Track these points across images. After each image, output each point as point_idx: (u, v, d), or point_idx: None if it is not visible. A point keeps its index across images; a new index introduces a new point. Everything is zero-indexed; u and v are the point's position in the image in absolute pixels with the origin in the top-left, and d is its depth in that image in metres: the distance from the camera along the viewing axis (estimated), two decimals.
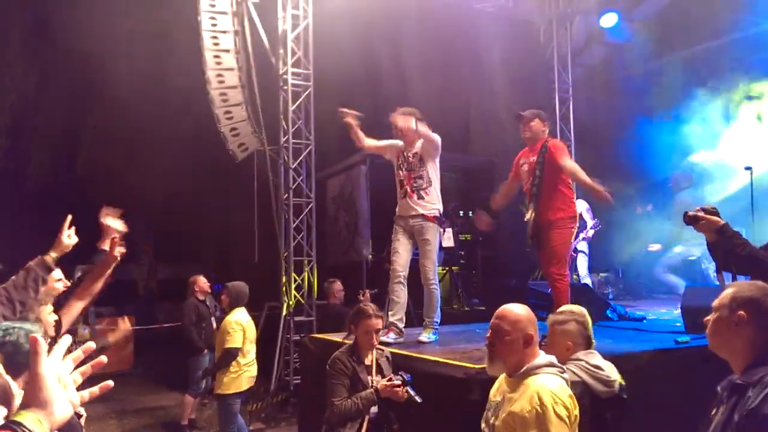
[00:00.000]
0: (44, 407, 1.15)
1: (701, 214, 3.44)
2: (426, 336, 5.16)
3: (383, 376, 3.62)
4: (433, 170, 5.29)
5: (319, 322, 8.02)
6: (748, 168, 6.94)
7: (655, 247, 9.33)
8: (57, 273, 3.72)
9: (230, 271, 11.38)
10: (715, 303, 2.09)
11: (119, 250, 3.42)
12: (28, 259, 3.14)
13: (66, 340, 1.30)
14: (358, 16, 8.99)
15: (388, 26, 9.43)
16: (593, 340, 3.29)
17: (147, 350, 10.91)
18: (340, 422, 3.51)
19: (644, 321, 6.70)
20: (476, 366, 3.71)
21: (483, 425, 2.57)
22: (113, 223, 3.59)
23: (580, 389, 2.86)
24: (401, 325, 5.20)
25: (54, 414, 1.16)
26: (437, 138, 5.26)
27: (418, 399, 3.36)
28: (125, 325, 4.68)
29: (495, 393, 2.60)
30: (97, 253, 3.63)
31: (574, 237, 5.39)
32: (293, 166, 8.31)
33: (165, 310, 11.67)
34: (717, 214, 3.46)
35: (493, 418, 2.49)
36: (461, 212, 10.44)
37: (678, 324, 5.75)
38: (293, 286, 8.22)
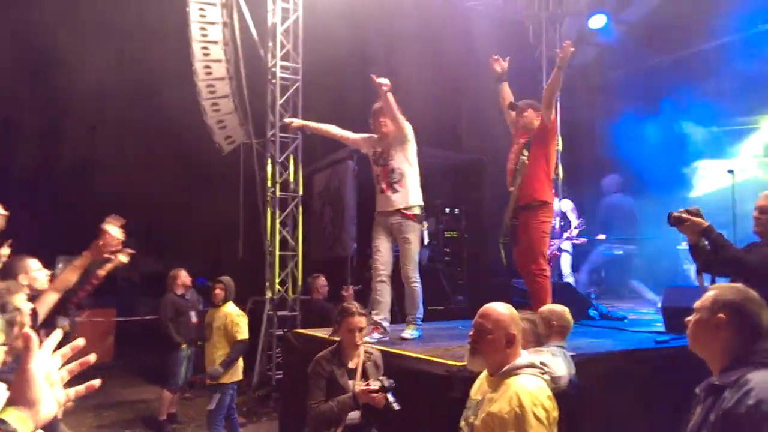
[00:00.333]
0: (31, 406, 1.12)
1: (686, 215, 3.47)
2: (409, 333, 5.13)
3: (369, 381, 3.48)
4: (406, 162, 5.15)
5: (302, 318, 8.01)
6: (731, 171, 6.99)
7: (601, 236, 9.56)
8: (36, 263, 3.69)
9: (214, 264, 11.33)
10: (697, 304, 2.11)
11: (108, 251, 3.66)
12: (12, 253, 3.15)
13: (56, 335, 1.28)
14: (348, 11, 8.95)
15: (379, 22, 9.42)
16: (544, 340, 3.45)
17: (128, 343, 10.83)
18: (319, 425, 3.43)
19: (625, 320, 6.76)
20: (458, 363, 3.72)
21: (462, 424, 2.57)
22: (112, 230, 3.67)
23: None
24: (386, 324, 5.17)
25: (40, 413, 1.13)
26: (404, 123, 5.10)
27: (396, 406, 3.29)
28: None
29: (476, 392, 2.60)
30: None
31: (551, 232, 5.39)
32: (280, 160, 8.27)
33: (147, 303, 11.58)
34: (701, 215, 3.49)
35: (472, 417, 2.49)
36: (447, 210, 10.46)
37: (658, 324, 5.81)
38: (277, 280, 8.19)
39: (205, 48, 7.72)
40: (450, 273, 10.09)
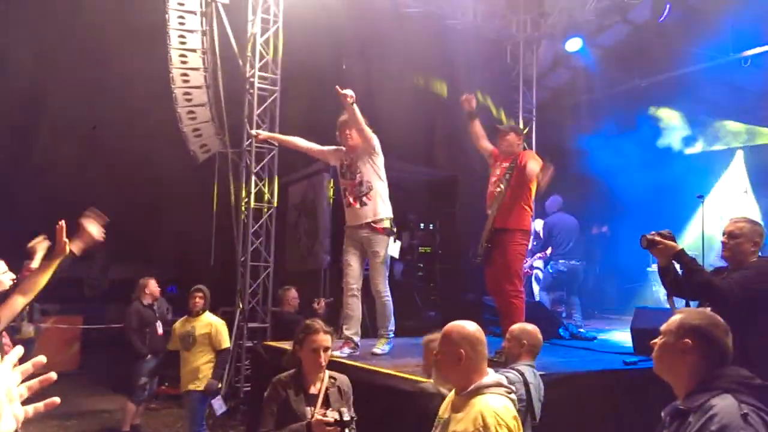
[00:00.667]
0: None
1: (659, 238, 3.50)
2: (380, 348, 5.10)
3: (329, 409, 3.08)
4: (374, 174, 5.12)
5: (272, 330, 7.94)
6: (700, 197, 7.14)
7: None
8: (2, 265, 3.59)
9: (184, 272, 11.18)
10: (663, 327, 2.13)
11: (69, 248, 3.30)
12: None
13: (17, 351, 1.24)
14: (328, 24, 8.98)
15: (358, 37, 9.45)
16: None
17: (94, 351, 10.61)
18: None
19: (595, 341, 6.83)
20: (428, 380, 3.72)
21: None
22: (92, 228, 3.46)
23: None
24: (357, 339, 5.14)
25: None
26: (371, 135, 5.06)
27: None
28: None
29: (444, 410, 2.59)
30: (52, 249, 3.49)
31: (527, 254, 5.43)
32: (255, 170, 8.23)
33: (115, 311, 11.37)
34: (673, 239, 3.53)
35: None
36: (422, 225, 10.48)
37: (628, 345, 5.87)
38: (248, 291, 8.12)
39: (183, 56, 7.67)
40: (423, 288, 10.10)
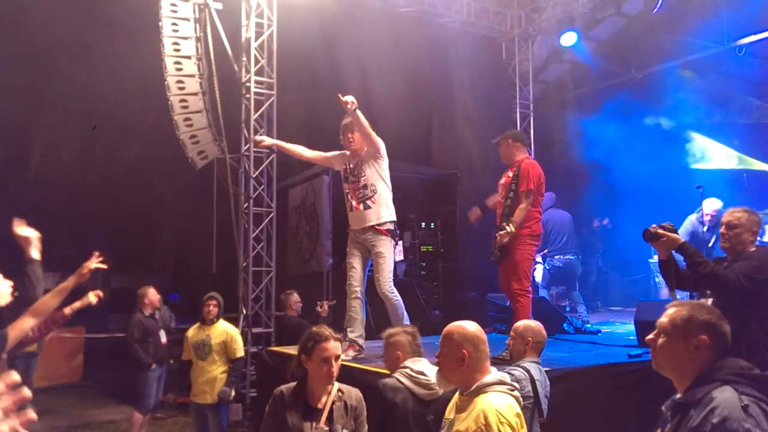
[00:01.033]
0: None
1: (661, 231, 3.49)
2: None
3: (332, 425, 2.86)
4: (378, 178, 5.14)
5: (276, 335, 7.93)
6: (699, 187, 7.13)
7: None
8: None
9: (186, 280, 11.17)
10: (665, 325, 2.08)
11: (90, 269, 3.61)
12: None
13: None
14: (322, 26, 8.98)
15: (353, 37, 9.45)
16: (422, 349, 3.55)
17: (97, 362, 10.60)
18: None
19: (599, 334, 6.83)
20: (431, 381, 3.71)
21: None
22: (26, 231, 3.59)
23: (403, 394, 3.26)
24: (361, 342, 5.15)
25: None
26: (377, 139, 5.08)
27: None
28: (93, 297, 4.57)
29: (449, 411, 2.59)
30: (27, 262, 3.55)
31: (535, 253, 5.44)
32: (254, 175, 8.22)
33: (117, 320, 11.37)
34: (675, 231, 3.53)
35: None
36: (423, 224, 10.49)
37: (632, 338, 5.87)
38: (251, 296, 8.11)
39: (178, 63, 7.65)
40: (426, 287, 10.09)
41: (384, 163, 5.18)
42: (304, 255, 10.24)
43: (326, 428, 2.78)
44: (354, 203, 5.17)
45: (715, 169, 10.84)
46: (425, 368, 3.34)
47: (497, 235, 5.02)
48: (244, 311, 8.03)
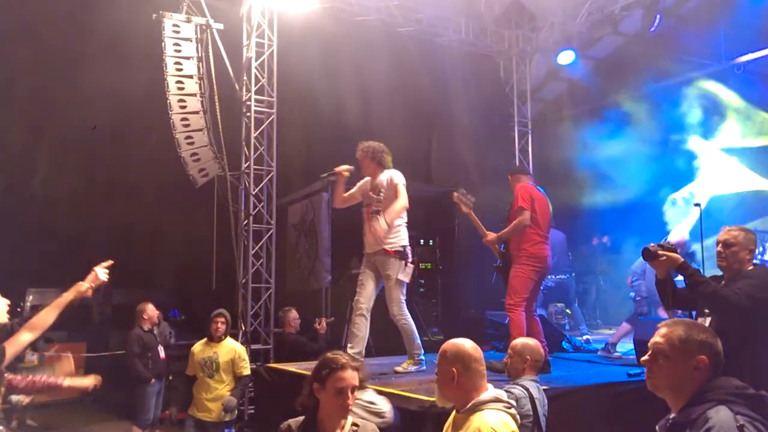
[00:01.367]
0: None
1: (661, 251, 3.50)
2: (403, 367, 5.24)
3: None
4: (393, 203, 5.27)
5: (275, 351, 7.93)
6: (697, 205, 7.16)
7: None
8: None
9: (186, 296, 11.17)
10: (661, 344, 2.07)
11: (91, 286, 3.63)
12: None
13: None
14: (322, 46, 9.08)
15: (353, 57, 9.55)
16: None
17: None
18: None
19: (598, 353, 6.82)
20: (431, 399, 3.72)
21: None
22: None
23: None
24: (360, 359, 5.19)
25: None
26: (404, 199, 5.26)
27: None
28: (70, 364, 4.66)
29: (446, 429, 2.61)
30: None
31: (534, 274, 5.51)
32: (254, 193, 8.27)
33: (117, 337, 11.36)
34: (675, 251, 3.53)
35: None
36: (421, 241, 10.50)
37: (631, 357, 5.87)
38: (250, 313, 8.12)
39: (180, 82, 7.74)
40: (424, 304, 10.09)
41: (402, 192, 5.30)
42: (303, 272, 10.26)
43: None
44: (368, 227, 5.32)
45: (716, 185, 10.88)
46: (374, 398, 3.35)
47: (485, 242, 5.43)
48: (243, 327, 8.03)
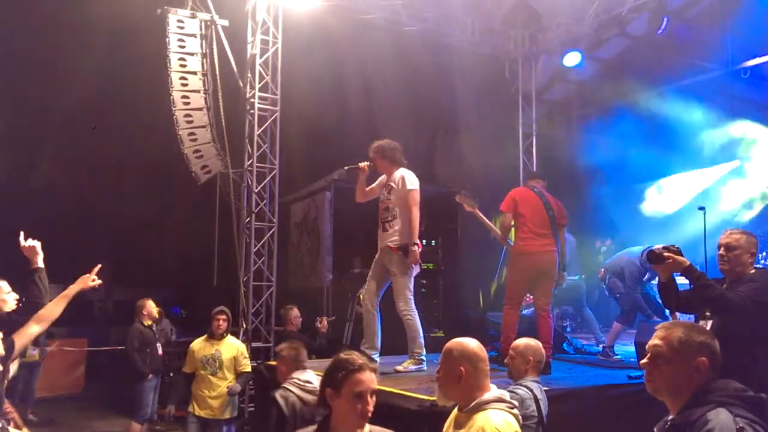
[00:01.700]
0: None
1: (667, 254, 3.46)
2: (403, 366, 5.21)
3: None
4: (403, 203, 5.36)
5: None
6: (702, 208, 7.12)
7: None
8: (5, 285, 3.63)
9: (188, 294, 11.18)
10: (660, 347, 2.05)
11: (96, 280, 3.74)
12: None
13: None
14: (327, 44, 9.06)
15: (357, 55, 9.53)
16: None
17: (99, 373, 10.59)
18: None
19: (599, 355, 6.78)
20: (430, 398, 3.70)
21: None
22: (30, 242, 3.68)
23: (293, 399, 3.84)
24: (376, 357, 5.21)
25: None
26: (411, 187, 5.34)
27: None
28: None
29: (447, 428, 2.59)
30: (34, 271, 3.62)
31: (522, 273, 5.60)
32: (257, 190, 8.25)
33: (119, 333, 11.39)
34: (680, 253, 3.50)
35: None
36: (423, 241, 10.46)
37: (632, 359, 5.84)
38: (251, 311, 8.10)
39: (184, 78, 7.72)
40: (426, 304, 10.06)
41: (414, 192, 5.36)
42: (305, 270, 10.25)
43: None
44: (379, 221, 5.47)
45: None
46: (311, 377, 3.95)
47: None
48: (244, 325, 8.02)
